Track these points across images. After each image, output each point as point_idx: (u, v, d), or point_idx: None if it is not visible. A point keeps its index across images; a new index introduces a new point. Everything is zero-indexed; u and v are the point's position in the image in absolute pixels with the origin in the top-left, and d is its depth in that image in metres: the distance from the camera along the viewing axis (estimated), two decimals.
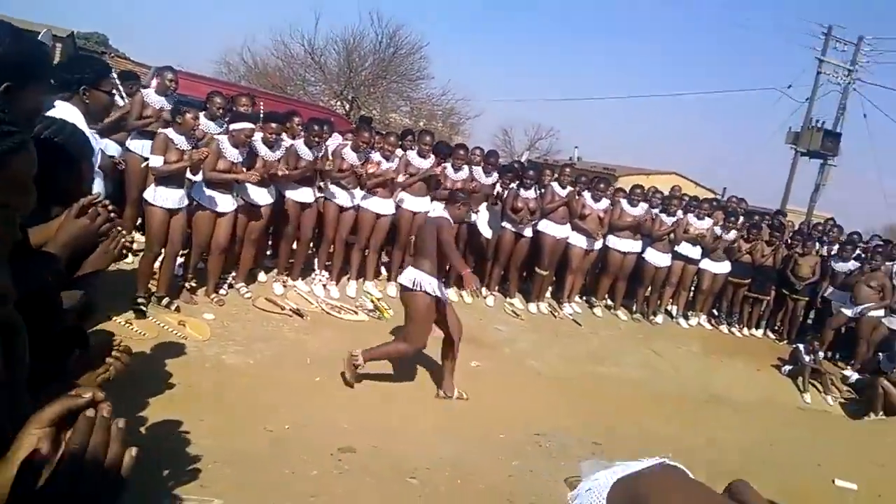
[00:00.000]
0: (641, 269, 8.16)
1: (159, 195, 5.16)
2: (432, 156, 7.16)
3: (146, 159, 5.57)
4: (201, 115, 5.83)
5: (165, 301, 5.36)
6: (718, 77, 59.31)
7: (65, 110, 3.09)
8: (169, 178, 5.17)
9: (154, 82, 6.71)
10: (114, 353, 1.53)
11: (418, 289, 4.77)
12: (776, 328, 9.15)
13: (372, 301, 6.75)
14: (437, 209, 6.99)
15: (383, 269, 7.47)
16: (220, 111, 6.23)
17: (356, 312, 6.47)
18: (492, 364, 6.10)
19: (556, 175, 7.95)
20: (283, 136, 6.23)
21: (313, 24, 24.37)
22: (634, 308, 8.43)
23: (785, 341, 8.80)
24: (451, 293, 7.32)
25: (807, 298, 8.78)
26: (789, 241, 8.94)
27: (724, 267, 8.48)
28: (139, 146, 6.01)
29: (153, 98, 6.27)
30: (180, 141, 5.18)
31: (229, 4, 55.64)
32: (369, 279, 7.03)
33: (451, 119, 26.97)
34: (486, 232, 6.85)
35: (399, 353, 4.96)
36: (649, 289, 8.41)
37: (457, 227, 7.25)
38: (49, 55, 1.53)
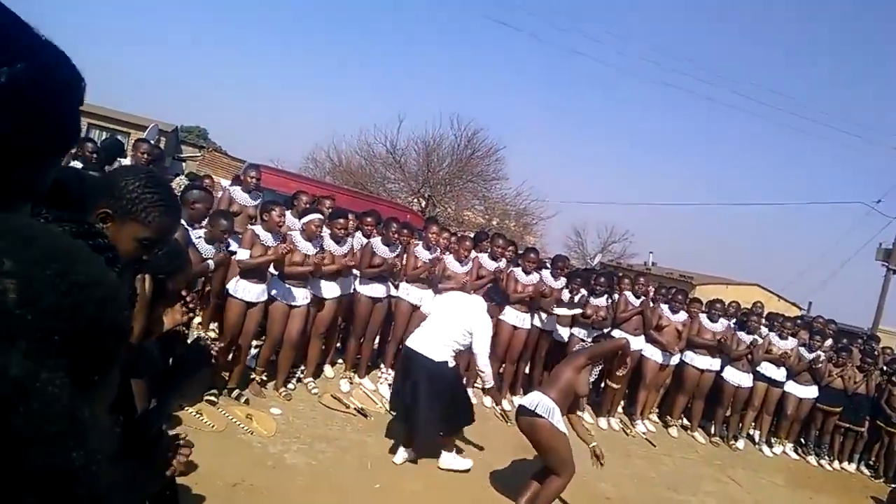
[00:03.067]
0: (721, 388, 7.74)
1: (241, 288, 5.36)
2: (504, 259, 7.20)
3: (232, 253, 5.82)
4: (287, 212, 6.11)
5: (236, 392, 5.43)
6: (805, 188, 57.80)
7: None
8: (252, 272, 5.38)
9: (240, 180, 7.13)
10: (179, 452, 1.58)
11: (546, 416, 4.58)
12: (871, 463, 8.37)
13: None
14: (508, 313, 7.03)
15: None
16: (306, 209, 6.51)
17: None
18: None
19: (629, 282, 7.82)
20: (357, 232, 6.48)
21: (396, 126, 25.26)
22: (713, 430, 7.93)
23: (882, 479, 8.03)
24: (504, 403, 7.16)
25: None
26: (884, 367, 8.32)
27: (811, 392, 7.94)
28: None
29: (239, 195, 6.65)
30: (266, 237, 5.43)
31: (319, 105, 59.58)
32: None
33: (524, 219, 27.24)
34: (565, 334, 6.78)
35: (559, 490, 4.71)
36: (729, 410, 7.93)
37: (536, 333, 7.23)
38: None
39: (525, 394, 7.31)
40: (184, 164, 21.31)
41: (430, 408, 4.92)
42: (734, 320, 8.00)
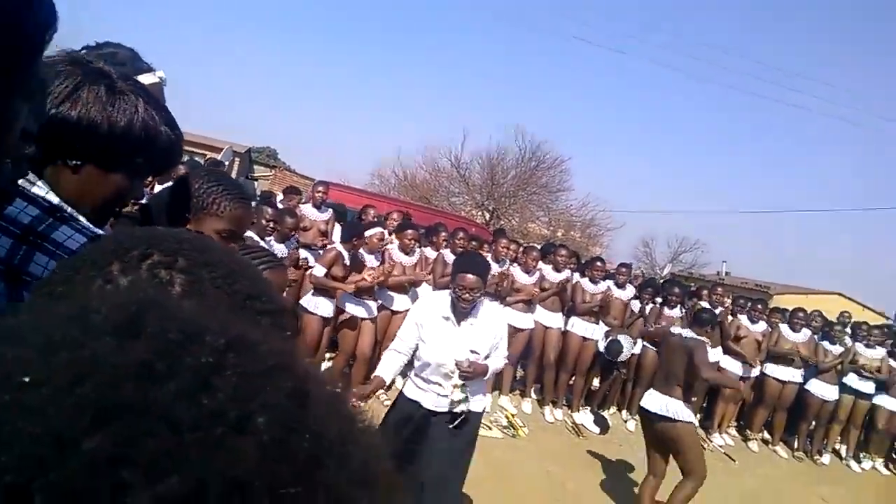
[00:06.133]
0: (804, 400, 7.40)
1: (319, 304, 5.50)
2: (567, 270, 7.14)
3: (308, 267, 6.00)
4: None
5: None
6: (887, 190, 54.65)
7: None
8: (324, 290, 5.52)
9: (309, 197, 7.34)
10: None
11: (677, 418, 4.51)
12: None
13: (507, 417, 6.61)
14: (577, 324, 6.97)
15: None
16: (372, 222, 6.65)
17: (490, 428, 6.34)
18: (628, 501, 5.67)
19: (705, 293, 7.62)
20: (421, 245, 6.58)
21: (460, 140, 25.51)
22: (796, 445, 7.59)
23: None
24: (584, 415, 7.06)
25: None
26: None
27: None
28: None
29: (308, 211, 6.83)
30: (348, 258, 5.57)
31: (384, 122, 60.69)
32: (505, 393, 6.93)
33: (589, 230, 26.87)
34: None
35: (692, 494, 4.61)
36: (813, 424, 7.57)
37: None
38: None
39: (597, 408, 7.24)
40: (256, 183, 22.08)
41: None
42: (817, 332, 7.64)
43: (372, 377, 3.44)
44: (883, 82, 58.96)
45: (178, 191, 1.68)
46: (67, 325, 0.34)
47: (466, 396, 3.38)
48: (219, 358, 0.33)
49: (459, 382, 3.32)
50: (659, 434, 4.65)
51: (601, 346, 6.91)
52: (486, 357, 3.46)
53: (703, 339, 4.68)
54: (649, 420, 4.71)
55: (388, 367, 3.50)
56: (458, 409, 3.39)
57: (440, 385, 3.40)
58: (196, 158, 15.24)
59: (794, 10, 66.71)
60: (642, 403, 4.80)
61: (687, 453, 4.54)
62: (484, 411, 3.61)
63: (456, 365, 3.31)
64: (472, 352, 3.37)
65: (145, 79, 1.36)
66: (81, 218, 1.07)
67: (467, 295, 3.39)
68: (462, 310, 3.43)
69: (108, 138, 1.06)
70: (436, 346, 3.42)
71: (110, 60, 1.33)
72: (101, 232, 1.08)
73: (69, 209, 1.06)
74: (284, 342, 0.40)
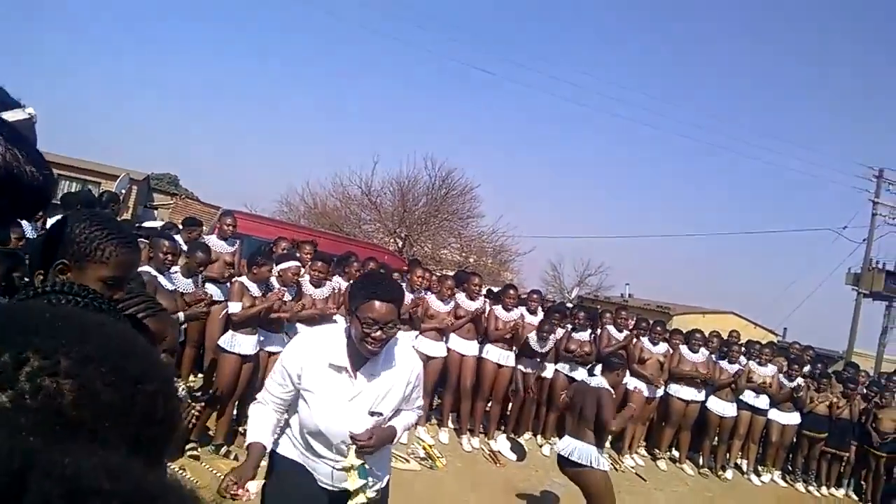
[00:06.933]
0: (706, 418, 7.74)
1: (236, 342, 5.25)
2: (481, 298, 7.19)
3: (214, 302, 5.73)
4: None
5: (224, 450, 5.27)
6: (773, 215, 58.71)
7: None
8: (245, 324, 5.28)
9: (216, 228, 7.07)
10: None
11: (588, 464, 4.58)
12: (860, 488, 8.38)
13: (424, 448, 6.52)
14: (491, 351, 7.00)
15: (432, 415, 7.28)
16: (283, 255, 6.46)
17: (407, 460, 6.24)
18: None
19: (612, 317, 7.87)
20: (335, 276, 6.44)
21: (371, 168, 25.35)
22: (701, 461, 7.91)
23: (870, 503, 8.04)
24: (500, 442, 7.07)
25: (887, 455, 8.05)
26: (866, 391, 8.40)
27: (794, 418, 7.98)
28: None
29: (214, 242, 6.55)
30: (253, 288, 5.35)
31: (291, 147, 59.68)
32: (422, 424, 6.84)
33: (500, 256, 27.32)
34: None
35: None
36: (715, 440, 7.92)
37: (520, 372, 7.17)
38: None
39: (511, 433, 7.28)
40: (156, 211, 21.11)
41: None
42: (714, 352, 8.03)
43: (246, 447, 2.49)
44: (775, 116, 63.81)
45: (52, 235, 1.56)
46: None
47: (364, 469, 2.40)
48: None
49: (356, 463, 2.37)
50: (571, 478, 4.75)
51: (532, 339, 6.99)
52: (394, 416, 2.53)
53: (608, 387, 4.79)
54: (561, 464, 4.83)
55: (261, 428, 2.48)
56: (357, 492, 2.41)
57: (328, 459, 2.47)
58: (89, 188, 14.40)
59: (684, 47, 71.44)
60: (557, 448, 4.90)
61: (595, 499, 4.64)
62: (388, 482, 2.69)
63: (351, 438, 2.36)
64: (374, 413, 2.42)
65: (13, 115, 1.22)
66: None
67: (378, 332, 2.30)
68: (369, 353, 2.36)
69: None
70: (322, 412, 2.39)
71: None
72: None
73: None
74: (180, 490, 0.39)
